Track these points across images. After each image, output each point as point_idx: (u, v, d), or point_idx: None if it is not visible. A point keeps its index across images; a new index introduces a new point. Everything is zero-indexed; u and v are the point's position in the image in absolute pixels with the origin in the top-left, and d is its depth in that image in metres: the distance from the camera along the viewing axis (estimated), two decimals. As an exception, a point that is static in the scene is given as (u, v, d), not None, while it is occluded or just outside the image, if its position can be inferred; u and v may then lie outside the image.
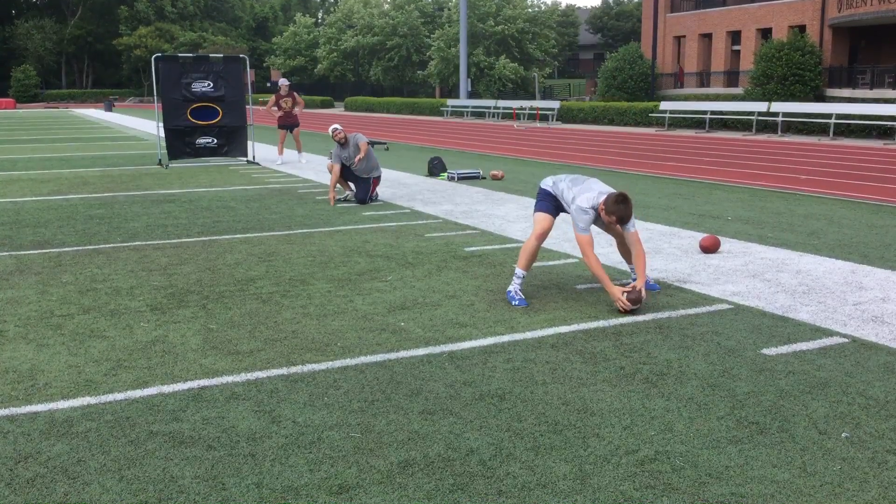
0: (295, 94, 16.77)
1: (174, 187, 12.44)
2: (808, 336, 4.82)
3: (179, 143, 15.53)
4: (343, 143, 10.46)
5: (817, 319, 5.16)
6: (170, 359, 4.48)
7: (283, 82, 16.63)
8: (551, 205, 5.79)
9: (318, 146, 20.33)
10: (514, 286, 5.66)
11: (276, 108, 16.49)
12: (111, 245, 7.79)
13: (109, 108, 53.90)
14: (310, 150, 18.27)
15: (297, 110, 16.58)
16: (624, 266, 6.49)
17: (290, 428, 3.57)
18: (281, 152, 16.53)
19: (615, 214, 5.38)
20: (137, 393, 3.98)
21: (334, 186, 10.51)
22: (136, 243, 7.86)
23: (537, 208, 5.84)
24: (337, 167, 10.41)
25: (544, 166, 15.82)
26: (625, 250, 5.96)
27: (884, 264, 6.74)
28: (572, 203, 5.54)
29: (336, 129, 10.50)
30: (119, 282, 6.29)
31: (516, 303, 5.53)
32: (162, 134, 15.84)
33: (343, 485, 3.06)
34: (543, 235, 5.70)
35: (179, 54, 16.19)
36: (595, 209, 5.46)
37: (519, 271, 5.66)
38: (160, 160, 16.22)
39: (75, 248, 7.63)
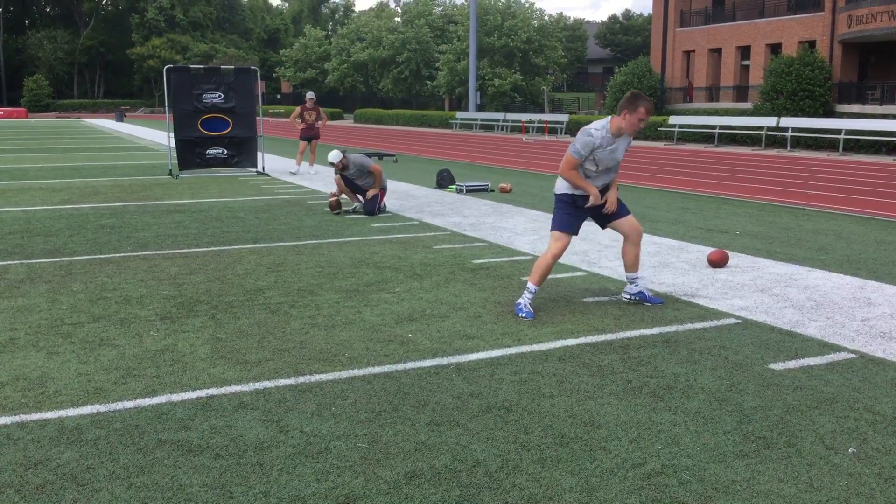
0: (319, 108, 16.96)
1: (184, 197, 12.51)
2: (816, 351, 4.82)
3: (190, 153, 15.63)
4: (346, 168, 10.52)
5: (825, 335, 5.15)
6: (178, 367, 4.50)
7: (310, 96, 16.86)
8: (575, 220, 5.73)
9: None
10: (524, 299, 5.65)
11: (299, 120, 16.66)
12: (121, 254, 7.84)
13: (121, 119, 54.26)
14: (320, 162, 18.36)
15: (319, 123, 16.78)
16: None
17: (297, 437, 3.58)
18: (299, 163, 16.69)
19: (639, 105, 5.38)
20: (146, 401, 4.01)
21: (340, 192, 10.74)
22: (146, 253, 7.91)
23: (560, 226, 5.73)
24: (339, 179, 10.62)
25: (553, 179, 15.85)
26: (627, 250, 5.91)
27: (892, 280, 6.73)
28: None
29: (333, 163, 10.36)
30: (129, 291, 6.33)
31: (524, 315, 5.54)
32: (172, 144, 15.95)
33: (350, 495, 3.07)
34: (560, 255, 5.69)
35: (191, 65, 16.30)
36: (604, 129, 5.46)
37: (531, 286, 5.65)
38: (170, 170, 16.32)
39: (86, 257, 7.68)
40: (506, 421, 3.78)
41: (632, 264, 5.92)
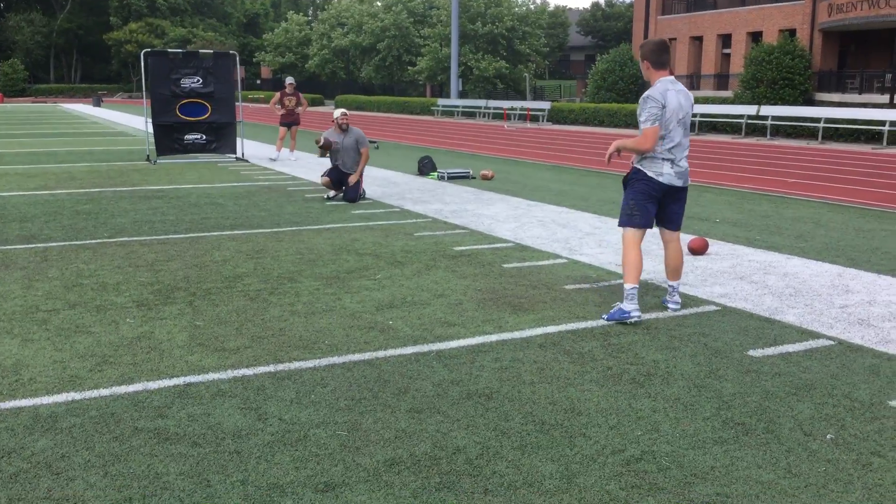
0: (299, 94, 16.83)
1: (162, 183, 12.38)
2: (795, 338, 4.84)
3: (168, 139, 15.45)
4: (344, 131, 10.51)
5: (804, 322, 5.18)
6: (156, 355, 4.45)
7: (290, 81, 16.72)
8: (654, 207, 5.27)
9: (310, 144, 20.27)
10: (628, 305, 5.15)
11: (279, 106, 16.54)
12: (98, 240, 7.74)
13: (98, 104, 53.55)
14: (300, 148, 18.24)
15: (299, 109, 16.66)
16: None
17: (276, 425, 3.55)
18: (279, 149, 16.58)
19: (652, 47, 5.17)
20: (123, 389, 3.96)
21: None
22: (123, 239, 7.82)
23: (638, 223, 5.24)
24: (326, 180, 10.59)
25: (534, 167, 15.84)
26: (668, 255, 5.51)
27: (870, 267, 6.78)
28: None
29: (344, 113, 10.61)
30: (105, 277, 6.25)
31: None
32: (150, 130, 15.77)
33: (329, 482, 3.05)
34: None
35: (169, 50, 16.10)
36: (659, 96, 5.06)
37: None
38: (148, 156, 16.15)
39: (61, 244, 7.58)
40: (486, 408, 3.76)
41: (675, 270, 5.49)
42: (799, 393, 3.98)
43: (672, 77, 5.22)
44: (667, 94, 5.10)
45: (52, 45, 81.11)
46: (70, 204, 10.15)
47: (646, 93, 5.16)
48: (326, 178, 10.64)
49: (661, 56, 5.19)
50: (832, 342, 4.77)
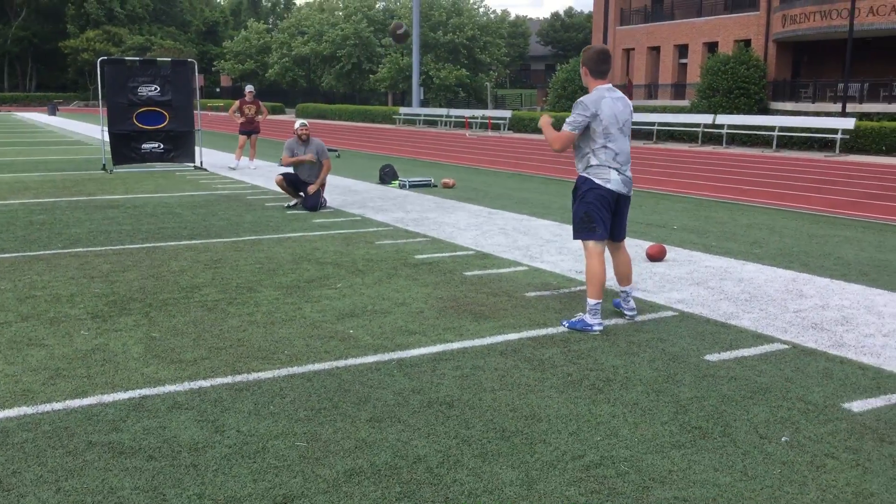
0: (259, 102, 16.69)
1: (118, 193, 12.19)
2: (750, 342, 4.92)
3: (124, 147, 15.23)
4: (304, 142, 10.47)
5: (759, 326, 5.26)
6: (110, 367, 4.37)
7: (249, 89, 16.59)
8: (609, 214, 5.22)
9: (270, 153, 20.14)
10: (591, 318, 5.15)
11: (238, 115, 16.39)
12: (52, 251, 7.59)
13: (53, 112, 52.62)
14: (260, 157, 18.10)
15: (259, 118, 16.53)
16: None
17: (233, 437, 3.51)
18: (238, 157, 16.43)
19: (592, 54, 5.13)
20: (76, 402, 3.88)
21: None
22: (78, 250, 7.67)
23: (601, 235, 5.18)
24: (280, 178, 10.58)
25: (496, 175, 15.90)
26: (617, 264, 5.52)
27: (823, 273, 6.92)
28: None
29: (304, 124, 10.55)
30: (59, 289, 6.13)
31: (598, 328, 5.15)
32: (107, 138, 15.53)
33: (287, 494, 3.02)
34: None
35: (126, 58, 15.88)
36: (591, 105, 5.05)
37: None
38: (104, 165, 15.89)
39: (14, 255, 7.42)
40: (447, 416, 3.76)
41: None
42: (754, 396, 4.04)
43: (609, 85, 5.19)
44: (601, 102, 5.07)
45: (6, 53, 79.53)
46: (24, 214, 9.94)
47: (580, 98, 5.15)
48: (280, 177, 10.60)
49: (600, 65, 5.16)
50: (786, 346, 4.85)
